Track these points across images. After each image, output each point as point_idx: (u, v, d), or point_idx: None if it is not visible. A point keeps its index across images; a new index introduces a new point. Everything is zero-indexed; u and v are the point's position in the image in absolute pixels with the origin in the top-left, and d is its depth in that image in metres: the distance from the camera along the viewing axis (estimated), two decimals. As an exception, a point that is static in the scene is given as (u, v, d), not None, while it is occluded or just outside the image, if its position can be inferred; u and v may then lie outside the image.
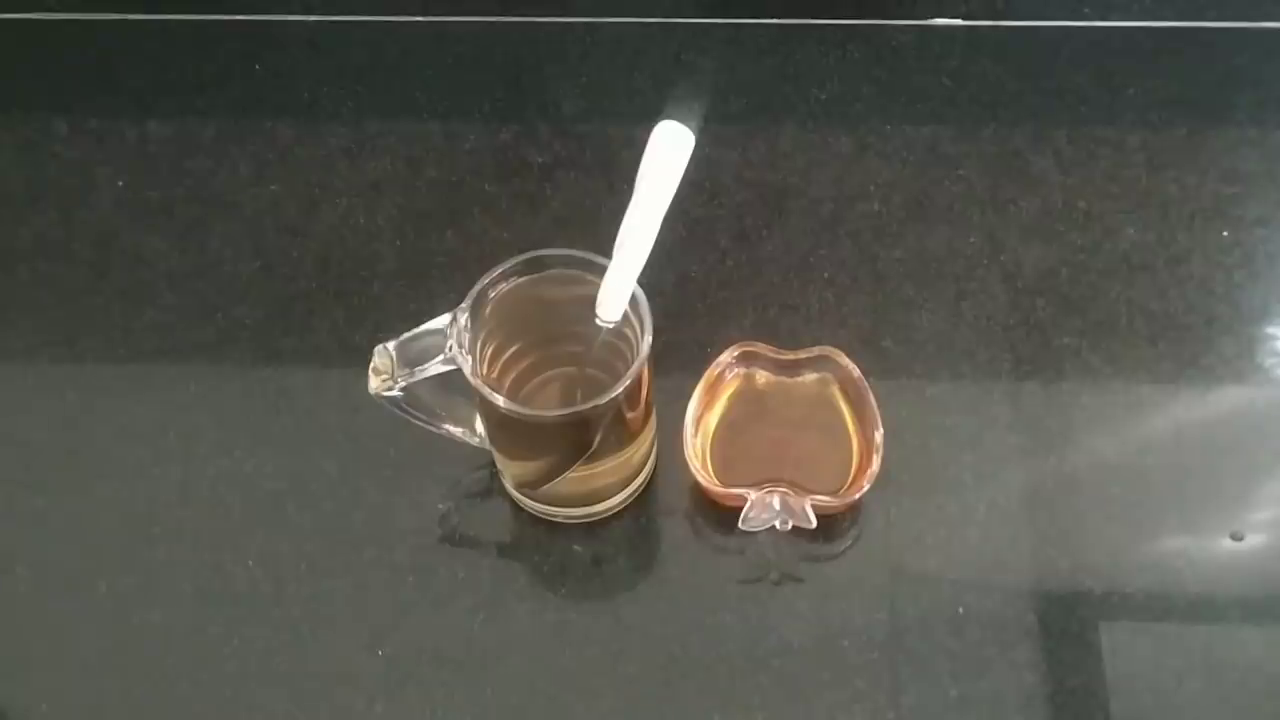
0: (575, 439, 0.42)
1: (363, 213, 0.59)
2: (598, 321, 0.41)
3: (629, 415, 0.44)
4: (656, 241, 0.40)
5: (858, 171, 0.60)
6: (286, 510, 0.50)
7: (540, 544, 0.49)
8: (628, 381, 0.40)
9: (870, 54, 0.65)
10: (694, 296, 0.56)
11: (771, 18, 0.65)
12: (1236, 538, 0.48)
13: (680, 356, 0.52)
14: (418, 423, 0.46)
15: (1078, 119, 0.62)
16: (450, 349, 0.41)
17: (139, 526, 0.50)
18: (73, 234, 0.59)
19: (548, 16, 0.66)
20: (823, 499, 0.46)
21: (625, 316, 0.41)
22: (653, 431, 0.48)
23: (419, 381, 0.42)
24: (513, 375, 0.46)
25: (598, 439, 0.43)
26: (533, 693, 0.46)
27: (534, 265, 0.44)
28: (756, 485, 0.47)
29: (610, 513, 0.49)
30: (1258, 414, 0.52)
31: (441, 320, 0.42)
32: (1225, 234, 0.57)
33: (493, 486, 0.50)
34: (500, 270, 0.43)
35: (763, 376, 0.51)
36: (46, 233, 0.59)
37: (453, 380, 0.42)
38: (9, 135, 0.63)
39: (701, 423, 0.49)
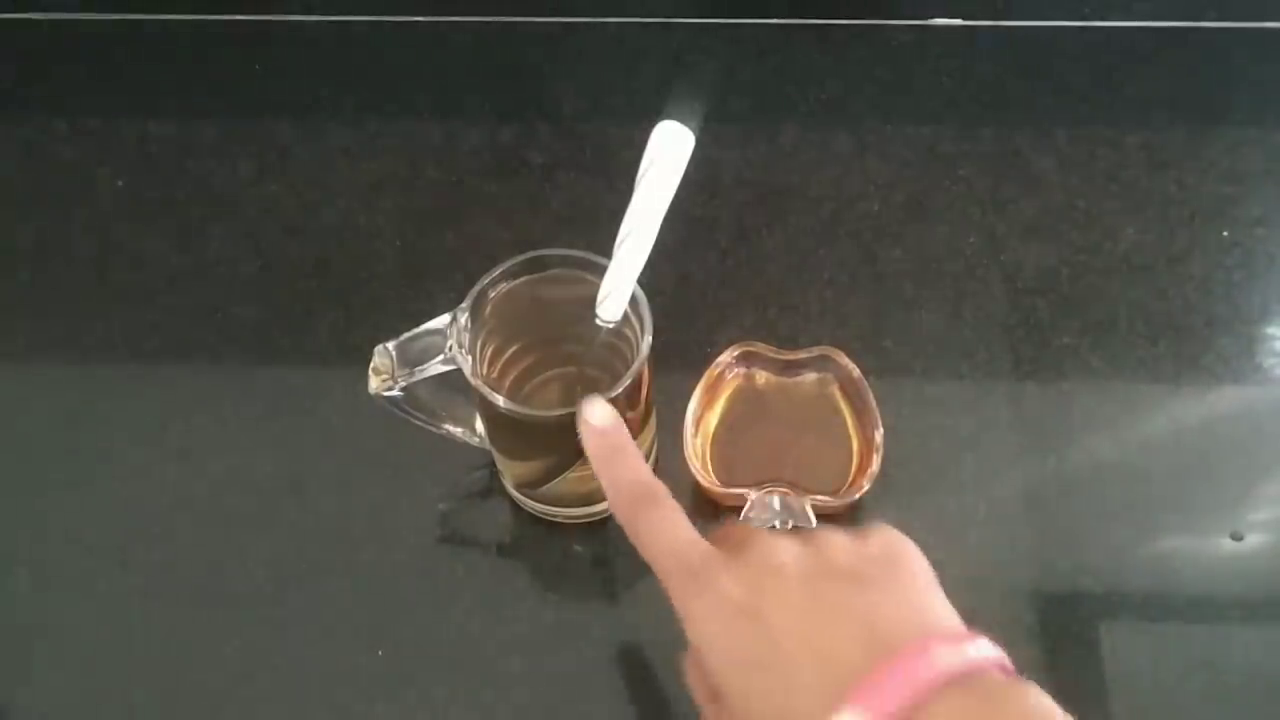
0: (575, 439, 0.42)
1: (363, 213, 0.59)
2: (598, 321, 0.41)
3: (629, 415, 0.44)
4: (656, 241, 0.40)
5: (858, 171, 0.60)
6: (286, 510, 0.50)
7: (540, 544, 0.49)
8: (628, 381, 0.40)
9: (870, 54, 0.65)
10: (694, 296, 0.56)
11: (771, 18, 0.65)
12: (1236, 538, 0.48)
13: (680, 356, 0.52)
14: (418, 423, 0.46)
15: (1078, 119, 0.62)
16: (450, 349, 0.41)
17: (139, 526, 0.50)
18: (73, 234, 0.59)
19: (548, 16, 0.66)
20: (823, 499, 0.46)
21: (625, 316, 0.41)
22: (653, 431, 0.48)
23: (419, 381, 0.42)
24: (513, 375, 0.46)
25: (598, 439, 0.43)
26: (533, 693, 0.46)
27: (534, 265, 0.44)
28: (756, 485, 0.47)
29: (610, 513, 0.49)
30: (1258, 414, 0.52)
31: (441, 320, 0.42)
32: (1225, 234, 0.57)
33: (493, 486, 0.50)
34: (500, 270, 0.43)
35: (763, 376, 0.51)
36: (46, 233, 0.59)
37: (453, 380, 0.42)
38: (9, 135, 0.63)
39: (701, 423, 0.49)
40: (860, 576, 0.33)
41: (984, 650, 0.31)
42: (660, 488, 0.37)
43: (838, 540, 0.35)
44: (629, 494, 0.37)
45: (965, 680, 0.30)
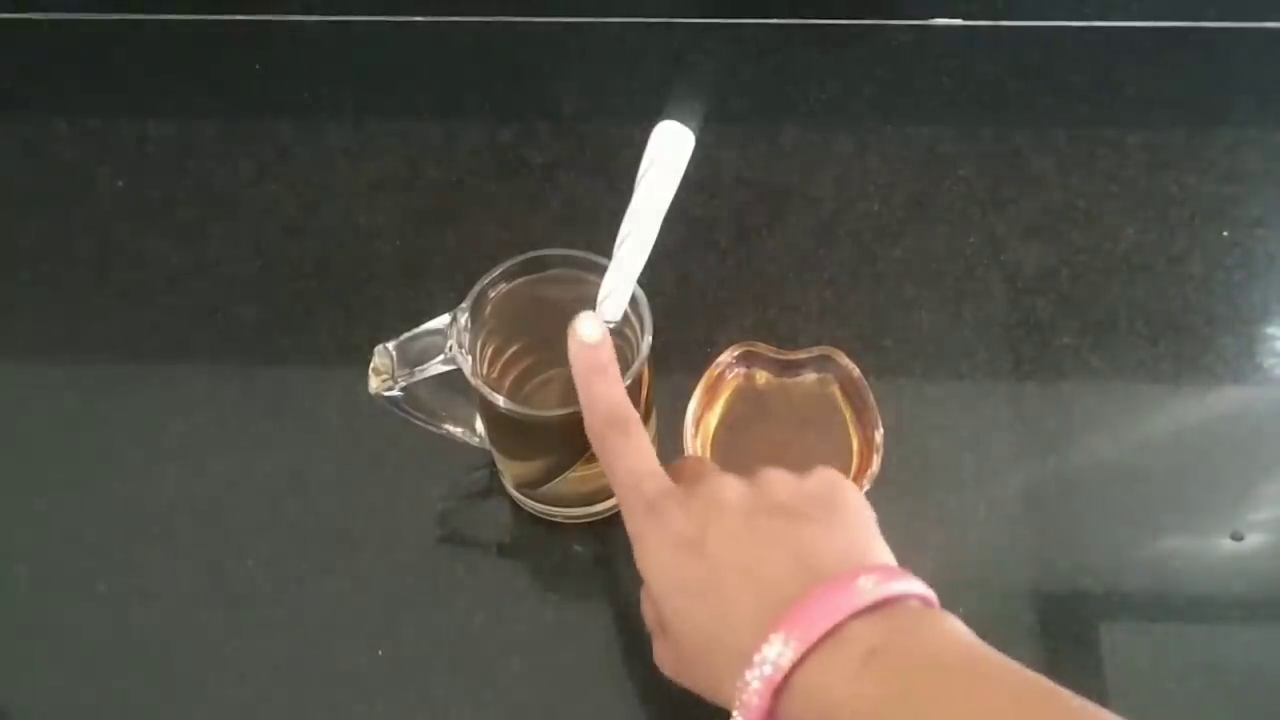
0: (575, 439, 0.42)
1: (363, 213, 0.59)
2: (598, 321, 0.41)
3: (629, 415, 0.44)
4: (656, 241, 0.40)
5: (858, 171, 0.60)
6: (286, 510, 0.50)
7: (540, 544, 0.49)
8: (628, 381, 0.40)
9: (870, 54, 0.65)
10: (694, 296, 0.56)
11: (771, 18, 0.65)
12: (1236, 538, 0.48)
13: (680, 356, 0.52)
14: (418, 423, 0.46)
15: (1078, 119, 0.62)
16: (450, 349, 0.41)
17: (139, 526, 0.50)
18: (73, 234, 0.59)
19: (548, 16, 0.66)
20: (823, 499, 0.46)
21: (625, 316, 0.41)
22: (653, 431, 0.48)
23: (419, 381, 0.42)
24: (513, 375, 0.46)
25: (598, 439, 0.43)
26: (533, 693, 0.46)
27: (534, 265, 0.44)
28: (756, 485, 0.47)
29: (610, 513, 0.49)
30: (1258, 414, 0.52)
31: (441, 320, 0.42)
32: (1225, 234, 0.57)
33: (493, 486, 0.50)
34: (500, 270, 0.43)
35: (763, 376, 0.51)
36: (46, 233, 0.59)
37: (453, 380, 0.42)
38: (9, 135, 0.63)
39: (701, 423, 0.49)
40: (799, 513, 0.35)
41: (911, 586, 0.33)
42: (633, 415, 0.38)
43: (780, 479, 0.37)
44: (604, 416, 0.38)
45: (883, 607, 0.32)
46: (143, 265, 0.58)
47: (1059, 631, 0.46)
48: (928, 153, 0.61)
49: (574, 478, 0.45)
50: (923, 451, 0.51)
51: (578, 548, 0.49)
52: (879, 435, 0.47)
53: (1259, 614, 0.47)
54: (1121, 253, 0.57)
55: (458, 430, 0.48)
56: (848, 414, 0.50)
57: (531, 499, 0.49)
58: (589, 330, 0.39)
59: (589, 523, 0.49)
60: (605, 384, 0.38)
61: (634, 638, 0.47)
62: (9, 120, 0.64)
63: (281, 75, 0.65)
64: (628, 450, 0.38)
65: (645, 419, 0.46)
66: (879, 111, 0.63)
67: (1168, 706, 0.45)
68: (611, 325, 0.41)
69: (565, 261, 0.43)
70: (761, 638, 0.31)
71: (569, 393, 0.40)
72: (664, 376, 0.46)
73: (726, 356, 0.50)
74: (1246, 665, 0.46)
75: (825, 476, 0.37)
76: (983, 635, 0.33)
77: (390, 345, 0.42)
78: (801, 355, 0.50)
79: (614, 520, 0.49)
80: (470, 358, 0.42)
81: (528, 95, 0.64)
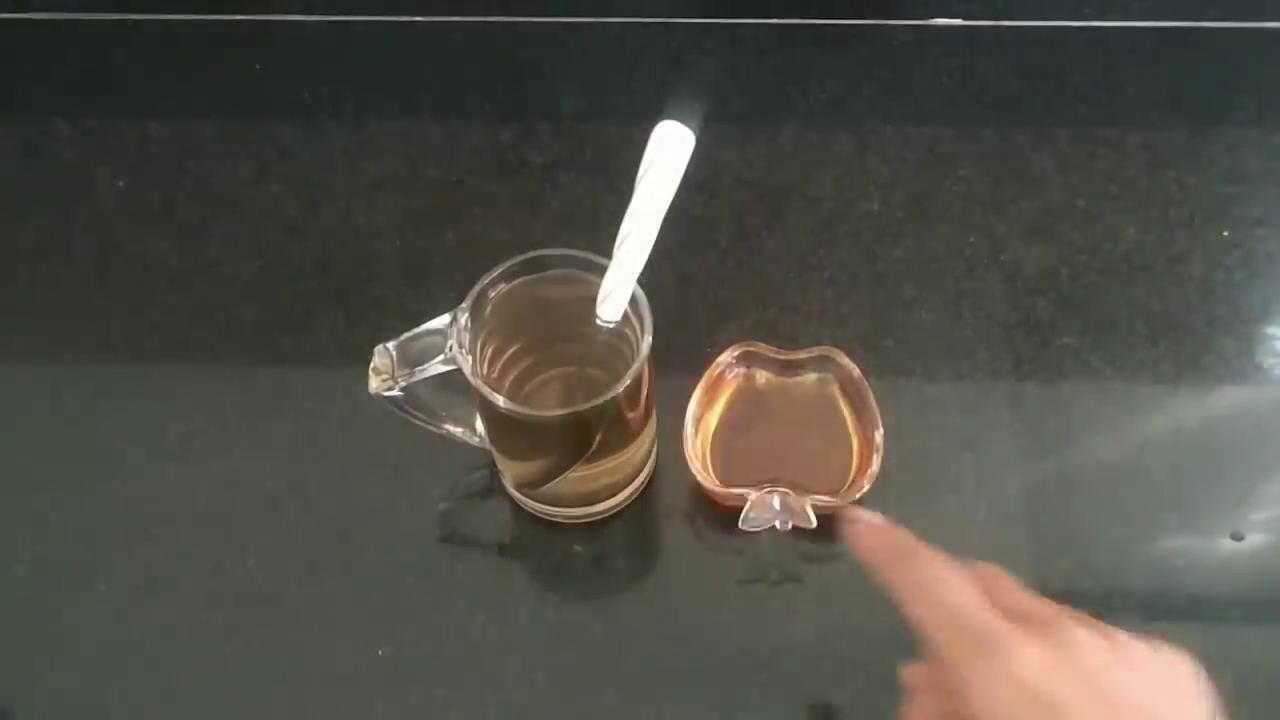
0: (575, 439, 0.42)
1: (363, 213, 0.59)
2: (598, 321, 0.41)
3: (629, 415, 0.44)
4: (656, 241, 0.40)
5: (858, 171, 0.60)
6: (286, 510, 0.50)
7: (540, 544, 0.49)
8: (628, 381, 0.40)
9: (870, 54, 0.65)
10: (694, 296, 0.56)
11: (771, 18, 0.65)
12: (1236, 538, 0.48)
13: (680, 356, 0.52)
14: (418, 423, 0.46)
15: (1078, 119, 0.62)
16: (450, 349, 0.41)
17: (139, 526, 0.50)
18: (73, 234, 0.59)
19: (548, 16, 0.66)
20: (823, 499, 0.46)
21: (625, 316, 0.41)
22: (653, 431, 0.48)
23: (419, 381, 0.42)
24: (513, 375, 0.46)
25: (598, 439, 0.43)
26: (533, 693, 0.46)
27: (534, 265, 0.44)
28: (756, 485, 0.47)
29: (610, 513, 0.49)
30: (1258, 414, 0.52)
31: (441, 320, 0.42)
32: (1225, 234, 0.57)
33: (493, 486, 0.50)
34: (500, 270, 0.43)
35: (763, 376, 0.51)
36: (47, 233, 0.59)
37: (453, 380, 0.42)
38: (9, 135, 0.63)
39: (701, 423, 0.49)
40: (1153, 714, 0.33)
41: None
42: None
43: (1140, 663, 0.35)
44: (958, 617, 0.36)
45: None
46: (143, 265, 0.58)
47: (1059, 631, 0.46)
48: (928, 153, 0.61)
49: (574, 478, 0.45)
50: (923, 451, 0.51)
51: (578, 548, 0.49)
52: (879, 435, 0.47)
53: (1259, 614, 0.47)
54: (1121, 253, 0.57)
55: (458, 430, 0.48)
56: (848, 414, 0.50)
57: (531, 499, 0.49)
58: (872, 516, 0.37)
59: (589, 523, 0.49)
60: (934, 572, 0.37)
61: (634, 638, 0.47)
62: (9, 120, 0.64)
63: (281, 75, 0.65)
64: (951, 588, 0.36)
65: (645, 419, 0.46)
66: (879, 111, 0.63)
67: (1168, 706, 0.45)
68: (611, 325, 0.41)
69: (565, 261, 0.43)
70: None
71: (569, 393, 0.40)
72: (664, 376, 0.46)
73: (726, 356, 0.50)
74: (1246, 665, 0.46)
75: (1176, 667, 0.35)
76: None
77: (390, 345, 0.42)
78: (801, 355, 0.50)
79: (614, 520, 0.49)
80: (470, 358, 0.42)
81: (528, 95, 0.64)
